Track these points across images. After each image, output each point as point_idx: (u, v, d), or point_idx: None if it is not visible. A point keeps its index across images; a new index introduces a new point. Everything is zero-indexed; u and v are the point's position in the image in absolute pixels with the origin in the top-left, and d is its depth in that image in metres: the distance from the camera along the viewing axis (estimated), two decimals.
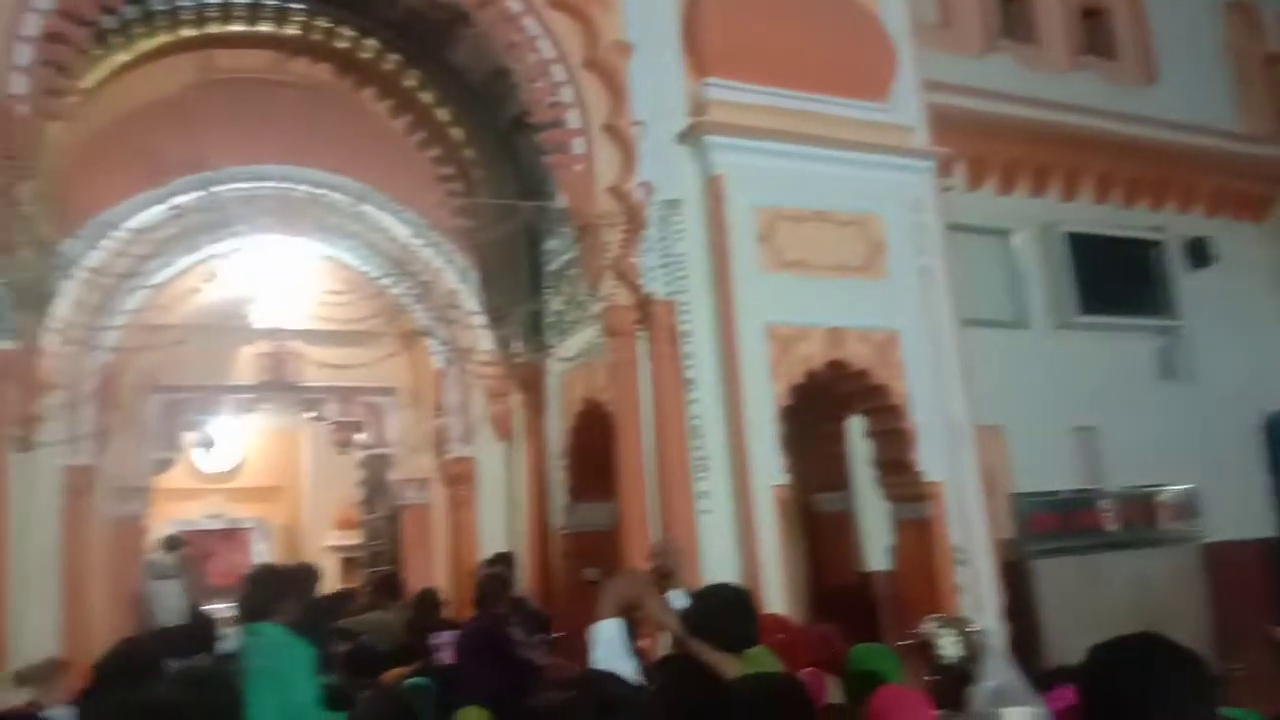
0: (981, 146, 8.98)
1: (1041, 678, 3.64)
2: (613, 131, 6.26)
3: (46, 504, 7.03)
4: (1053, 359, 9.14)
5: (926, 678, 3.64)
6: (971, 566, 6.63)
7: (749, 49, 6.53)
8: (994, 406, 7.51)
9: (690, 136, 6.35)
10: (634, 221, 6.10)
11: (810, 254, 6.51)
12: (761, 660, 3.32)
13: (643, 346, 6.23)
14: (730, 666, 3.17)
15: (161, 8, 7.29)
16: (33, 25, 5.16)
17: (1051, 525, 8.60)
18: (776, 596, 5.90)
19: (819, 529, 8.24)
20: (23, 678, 5.66)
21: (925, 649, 3.70)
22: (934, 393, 6.70)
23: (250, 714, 3.62)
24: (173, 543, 7.98)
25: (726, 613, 3.39)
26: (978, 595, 6.57)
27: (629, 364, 6.21)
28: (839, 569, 8.29)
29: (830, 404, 7.44)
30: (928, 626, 3.75)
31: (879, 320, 6.64)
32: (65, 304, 6.97)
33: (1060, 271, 9.41)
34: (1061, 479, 8.88)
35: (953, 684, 3.53)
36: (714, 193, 6.26)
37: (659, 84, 6.36)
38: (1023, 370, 8.79)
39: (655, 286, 6.11)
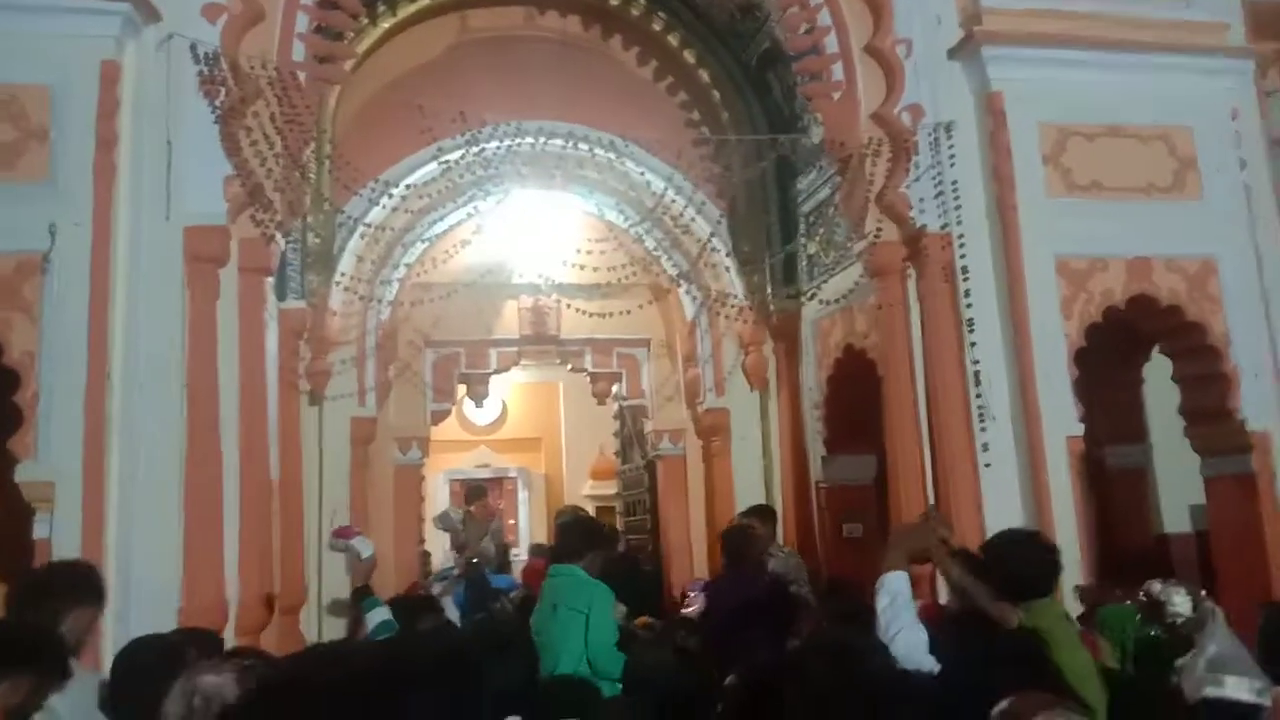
0: None
1: None
2: (875, 53, 5.80)
3: (337, 453, 7.56)
4: None
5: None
6: None
7: None
8: None
9: (963, 50, 5.77)
10: (901, 149, 5.63)
11: (1106, 175, 5.81)
12: (1046, 611, 3.22)
13: (912, 286, 5.78)
14: (1011, 617, 3.17)
15: None
16: None
17: None
18: (1071, 559, 5.30)
19: (1109, 486, 7.49)
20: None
21: (1156, 608, 3.74)
22: (1260, 330, 5.85)
23: (560, 645, 3.94)
24: (474, 493, 8.54)
25: (1023, 558, 3.31)
26: None
27: (897, 305, 5.78)
28: (1132, 531, 7.51)
29: (1129, 345, 6.67)
30: (1157, 586, 3.80)
31: (1192, 248, 5.85)
32: (348, 262, 7.41)
33: None
34: None
35: (1176, 645, 3.62)
36: (993, 111, 5.67)
37: None
38: None
39: (927, 219, 5.63)
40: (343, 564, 7.03)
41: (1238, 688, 3.24)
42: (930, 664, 2.75)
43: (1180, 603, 3.67)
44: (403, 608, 4.35)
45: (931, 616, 3.99)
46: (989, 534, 5.17)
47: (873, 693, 1.84)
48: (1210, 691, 3.37)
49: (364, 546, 3.80)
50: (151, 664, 2.70)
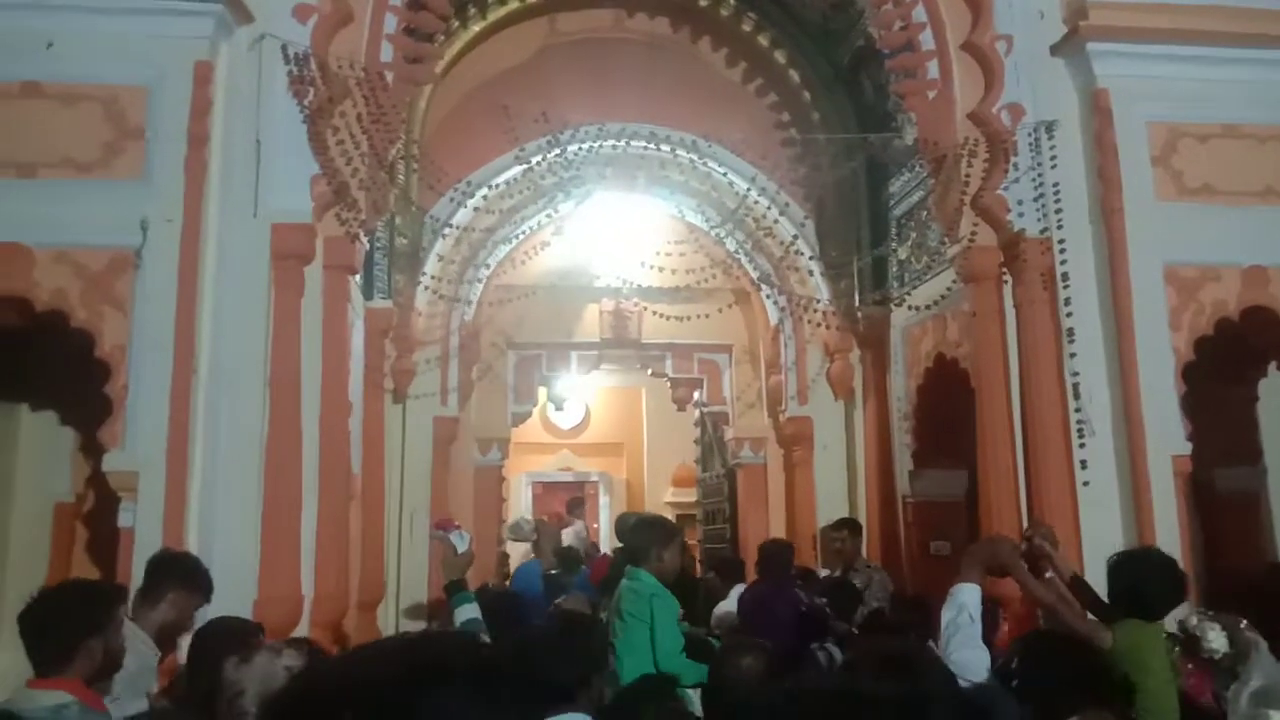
0: None
1: None
2: (973, 50, 5.56)
3: (419, 451, 7.62)
4: None
5: (1191, 667, 3.54)
6: None
7: None
8: None
9: (1068, 46, 5.50)
10: (999, 149, 5.39)
11: (1220, 178, 5.48)
12: (1142, 634, 3.19)
13: (1008, 293, 5.52)
14: (1103, 636, 3.16)
15: None
16: None
17: None
18: None
19: (1218, 510, 7.05)
20: None
21: (1190, 642, 3.62)
22: None
23: (625, 653, 3.95)
24: (575, 505, 8.62)
25: (1152, 575, 3.33)
26: None
27: (993, 313, 5.52)
28: (1242, 558, 7.05)
29: (1242, 360, 6.26)
30: (1193, 619, 3.68)
31: None
32: (433, 263, 7.47)
33: None
34: None
35: (1217, 679, 3.54)
36: (1099, 109, 5.40)
37: None
38: None
39: (1026, 223, 5.37)
40: (421, 562, 7.19)
41: None
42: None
43: (1215, 639, 3.57)
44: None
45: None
46: (1086, 555, 4.97)
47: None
48: None
49: (460, 540, 3.76)
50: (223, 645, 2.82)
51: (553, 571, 6.83)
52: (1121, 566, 3.41)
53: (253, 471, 4.79)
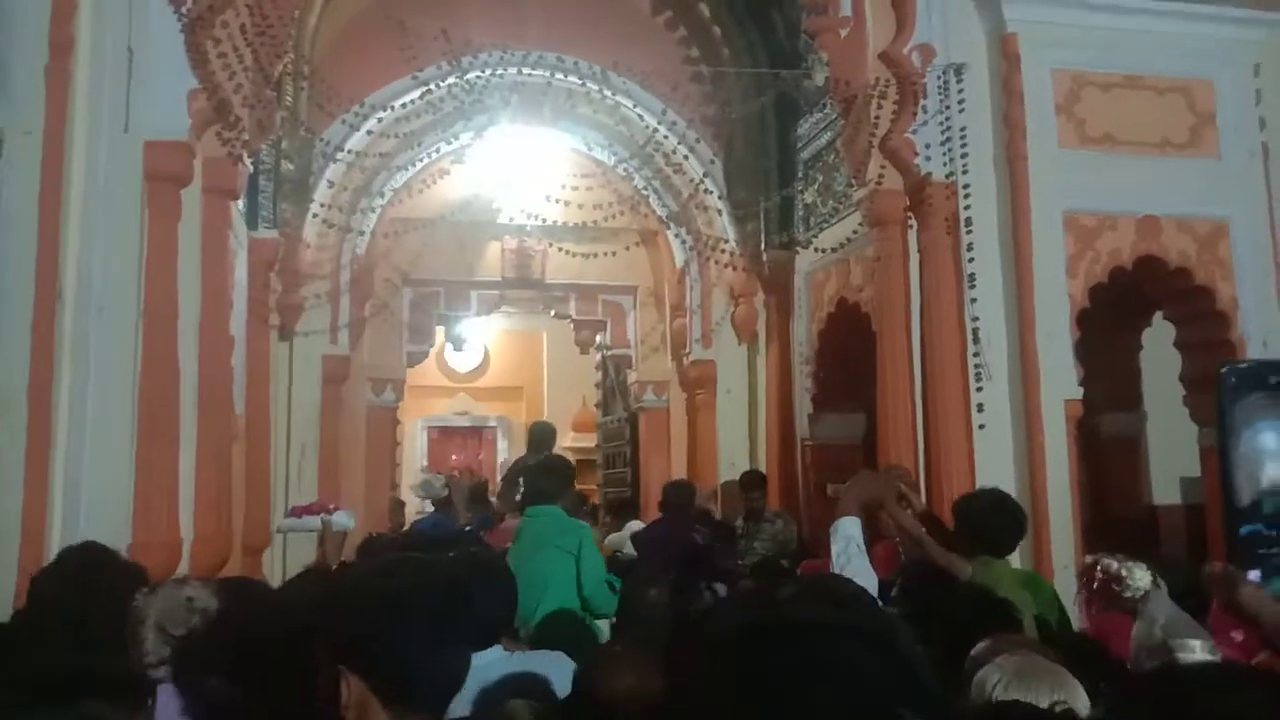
0: None
1: None
2: None
3: (307, 390, 7.30)
4: None
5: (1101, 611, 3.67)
6: None
7: None
8: None
9: None
10: (909, 91, 5.34)
11: (1121, 127, 5.57)
12: (994, 568, 3.40)
13: (913, 238, 5.53)
14: (962, 568, 3.40)
15: None
16: None
17: None
18: (1064, 526, 5.18)
19: (1102, 454, 7.32)
20: None
21: (1110, 582, 3.72)
22: (1270, 297, 5.61)
23: (544, 584, 3.99)
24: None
25: (990, 515, 3.55)
26: None
27: (897, 257, 5.53)
28: (1124, 501, 7.36)
29: (1131, 308, 6.45)
30: (1112, 563, 3.79)
31: (1204, 208, 5.61)
32: (324, 191, 7.08)
33: None
34: None
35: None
36: (1006, 54, 5.40)
37: None
38: None
39: (932, 167, 5.36)
40: (304, 497, 6.90)
41: (1200, 650, 3.28)
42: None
43: (1140, 577, 3.73)
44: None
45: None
46: None
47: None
48: (1180, 656, 3.37)
49: (349, 520, 3.51)
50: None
51: (468, 529, 6.69)
52: (964, 508, 3.64)
53: (125, 408, 4.45)
